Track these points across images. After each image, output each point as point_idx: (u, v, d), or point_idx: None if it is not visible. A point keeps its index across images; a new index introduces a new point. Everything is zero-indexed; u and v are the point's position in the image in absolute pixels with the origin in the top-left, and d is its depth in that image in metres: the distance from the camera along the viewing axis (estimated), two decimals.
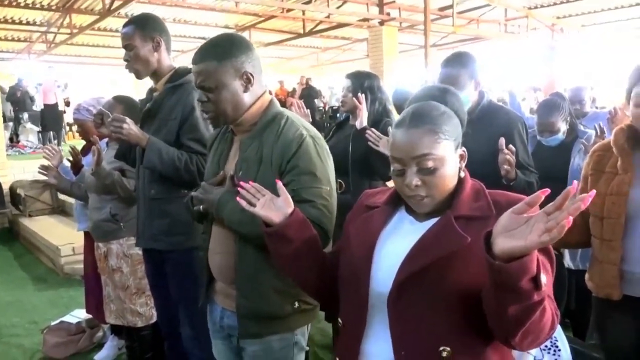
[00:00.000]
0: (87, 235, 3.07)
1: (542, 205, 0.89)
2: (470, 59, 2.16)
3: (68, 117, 10.86)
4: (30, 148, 10.21)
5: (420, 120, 1.10)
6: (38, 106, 10.72)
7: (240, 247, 1.53)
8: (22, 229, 6.22)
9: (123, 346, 3.10)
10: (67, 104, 11.49)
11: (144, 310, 2.61)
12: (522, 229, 0.88)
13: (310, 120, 2.73)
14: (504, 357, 1.10)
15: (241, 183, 1.30)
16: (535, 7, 10.37)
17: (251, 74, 1.53)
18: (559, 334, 1.63)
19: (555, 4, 10.03)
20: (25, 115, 10.82)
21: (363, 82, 2.54)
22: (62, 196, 6.18)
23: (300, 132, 1.51)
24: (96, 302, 3.02)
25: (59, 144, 10.15)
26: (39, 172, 2.82)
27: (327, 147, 1.59)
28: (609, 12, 10.09)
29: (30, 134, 10.87)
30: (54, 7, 9.50)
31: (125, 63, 2.11)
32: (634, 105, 1.60)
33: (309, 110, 2.80)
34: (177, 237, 2.01)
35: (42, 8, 9.45)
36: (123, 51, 2.10)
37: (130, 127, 1.93)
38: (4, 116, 10.53)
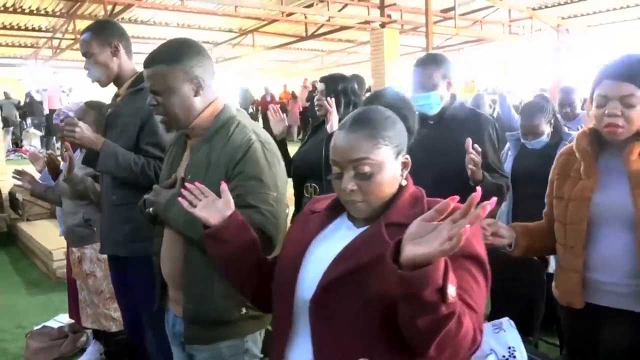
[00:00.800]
0: None
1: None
2: (444, 60, 2.14)
3: None
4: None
5: (361, 124, 1.08)
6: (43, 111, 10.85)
7: (187, 251, 1.51)
8: (19, 233, 6.26)
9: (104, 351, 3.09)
10: None
11: (118, 315, 2.59)
12: (430, 237, 0.85)
13: (286, 124, 2.71)
14: None
15: (186, 184, 1.29)
16: (540, 8, 10.27)
17: (202, 79, 1.52)
18: (517, 343, 1.57)
19: (559, 4, 9.93)
20: (29, 120, 10.95)
21: (337, 85, 2.52)
22: None
23: (249, 137, 1.49)
24: (77, 307, 3.02)
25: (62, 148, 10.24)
26: (13, 177, 2.82)
27: (279, 153, 1.57)
28: (614, 12, 9.97)
29: (33, 138, 10.99)
30: (58, 13, 9.63)
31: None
32: (596, 107, 1.53)
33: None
34: (140, 243, 1.99)
35: (47, 14, 9.58)
36: None
37: (83, 131, 1.92)
38: (6, 120, 10.70)
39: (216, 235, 1.20)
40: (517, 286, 2.44)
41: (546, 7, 10.15)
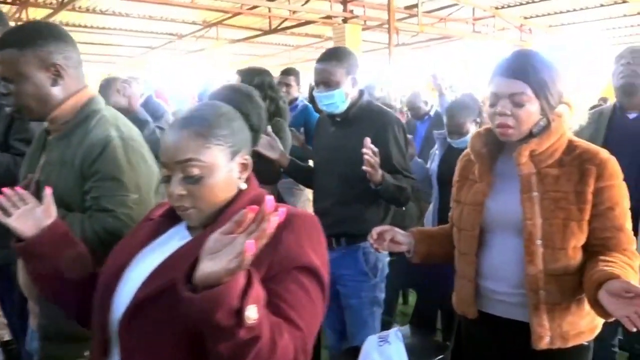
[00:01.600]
0: None
1: None
2: (348, 55, 2.03)
3: None
4: None
5: (190, 122, 0.96)
6: None
7: None
8: None
9: None
10: None
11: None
12: (224, 252, 0.73)
13: None
14: None
15: (3, 190, 1.14)
16: (503, 7, 10.30)
17: (62, 67, 1.37)
18: (401, 356, 1.49)
19: (521, 4, 9.96)
20: None
21: (252, 79, 2.40)
22: None
23: (108, 134, 1.36)
24: None
25: None
26: None
27: (145, 151, 1.43)
28: (574, 12, 10.05)
29: None
30: (9, 1, 9.24)
31: None
32: (489, 105, 1.43)
33: None
34: (5, 250, 1.83)
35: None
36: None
37: None
38: None
39: (30, 250, 1.06)
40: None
41: (509, 6, 10.18)
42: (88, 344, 1.37)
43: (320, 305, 0.93)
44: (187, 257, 0.92)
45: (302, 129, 3.20)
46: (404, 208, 3.46)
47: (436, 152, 2.86)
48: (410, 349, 1.58)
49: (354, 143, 1.85)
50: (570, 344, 1.38)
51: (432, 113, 4.19)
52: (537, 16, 10.72)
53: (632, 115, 2.02)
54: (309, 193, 2.65)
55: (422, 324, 2.37)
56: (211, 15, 11.09)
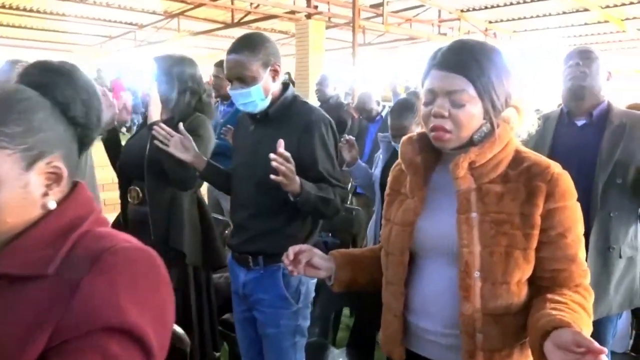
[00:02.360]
0: None
1: None
2: (263, 42, 1.67)
3: None
4: None
5: None
6: None
7: None
8: None
9: None
10: None
11: None
12: None
13: (116, 111, 2.29)
14: None
15: None
16: (468, 10, 10.29)
17: None
18: None
19: (486, 7, 9.95)
20: None
21: (171, 68, 2.11)
22: None
23: None
24: None
25: None
26: None
27: None
28: (537, 19, 10.10)
29: None
30: None
31: None
32: (423, 104, 1.16)
33: None
34: None
35: None
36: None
37: None
38: None
39: None
40: None
41: (474, 9, 10.16)
42: None
43: None
44: None
45: None
46: (353, 213, 3.26)
47: (380, 156, 2.66)
48: None
49: (274, 145, 1.58)
50: None
51: (384, 114, 3.99)
52: (502, 21, 10.76)
53: (580, 122, 1.83)
54: None
55: (361, 345, 2.15)
56: (173, 5, 10.70)
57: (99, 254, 0.69)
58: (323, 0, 9.29)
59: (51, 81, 0.77)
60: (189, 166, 1.84)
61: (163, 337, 0.74)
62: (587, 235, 1.71)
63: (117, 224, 2.20)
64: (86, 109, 0.80)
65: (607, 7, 9.02)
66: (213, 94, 2.78)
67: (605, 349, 0.87)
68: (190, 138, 1.83)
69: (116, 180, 2.24)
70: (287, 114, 1.72)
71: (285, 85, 1.77)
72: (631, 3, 8.70)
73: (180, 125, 1.84)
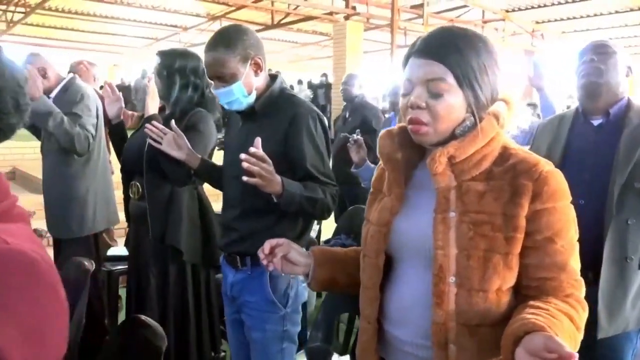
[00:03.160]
0: None
1: None
2: (239, 36, 1.56)
3: None
4: None
5: None
6: None
7: None
8: None
9: None
10: None
11: None
12: None
13: (122, 105, 2.30)
14: None
15: None
16: (513, 10, 9.94)
17: None
18: None
19: (533, 7, 9.59)
20: None
21: (173, 62, 2.08)
22: None
23: None
24: None
25: None
26: None
27: None
28: (588, 19, 9.64)
29: None
30: None
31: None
32: (402, 95, 1.06)
33: None
34: None
35: None
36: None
37: None
38: None
39: None
40: None
41: (519, 9, 9.81)
42: None
43: None
44: None
45: None
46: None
47: None
48: None
49: (264, 141, 1.50)
50: None
51: None
52: (550, 21, 10.34)
53: (596, 121, 1.67)
54: None
55: None
56: (216, 8, 10.91)
57: None
58: (362, 2, 9.21)
59: None
60: (183, 164, 1.80)
61: (38, 357, 0.65)
62: (601, 243, 1.57)
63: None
64: None
65: None
66: None
67: (576, 354, 0.76)
68: (183, 135, 1.79)
69: None
70: (273, 109, 1.63)
71: (273, 78, 1.70)
72: None
73: (173, 122, 1.80)
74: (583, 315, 1.01)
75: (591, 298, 1.56)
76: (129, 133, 2.30)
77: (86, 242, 2.62)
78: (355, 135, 2.46)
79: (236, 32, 1.58)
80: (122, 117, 2.28)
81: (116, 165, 2.51)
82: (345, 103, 4.35)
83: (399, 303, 1.11)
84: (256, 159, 1.41)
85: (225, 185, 1.75)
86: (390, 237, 1.11)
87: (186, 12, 11.34)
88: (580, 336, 0.97)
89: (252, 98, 1.62)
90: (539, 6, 9.45)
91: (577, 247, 1.03)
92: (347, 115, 4.22)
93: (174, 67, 2.08)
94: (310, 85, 13.34)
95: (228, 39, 1.56)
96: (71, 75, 2.72)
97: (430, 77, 1.01)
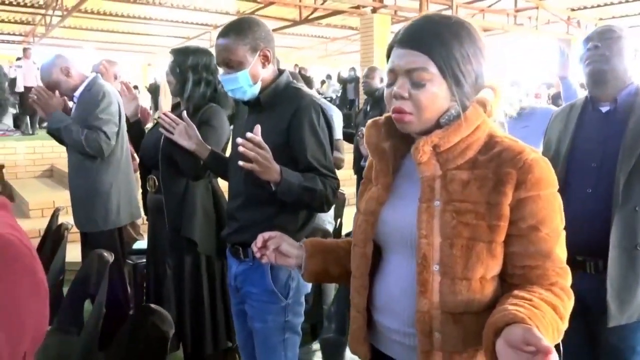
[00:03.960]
0: None
1: None
2: (251, 26, 1.60)
3: None
4: (1, 130, 10.04)
5: None
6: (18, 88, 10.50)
7: None
8: None
9: None
10: None
11: None
12: None
13: (139, 104, 2.38)
14: None
15: None
16: None
17: None
18: None
19: None
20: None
21: (186, 59, 2.14)
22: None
23: None
24: None
25: (32, 128, 10.04)
26: None
27: None
28: (627, 4, 9.26)
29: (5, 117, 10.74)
30: None
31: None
32: (386, 85, 1.07)
33: None
34: None
35: None
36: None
37: None
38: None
39: None
40: None
41: None
42: None
43: None
44: None
45: None
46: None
47: None
48: None
49: (270, 133, 1.54)
50: None
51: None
52: (586, 8, 9.98)
53: (604, 108, 1.62)
54: None
55: None
56: (245, 5, 11.02)
57: None
58: None
59: None
60: (194, 155, 1.86)
61: (11, 336, 0.65)
62: (607, 233, 1.53)
63: None
64: None
65: None
66: None
67: (552, 349, 0.76)
68: (194, 126, 1.85)
69: None
70: (278, 101, 1.66)
71: (281, 72, 1.73)
72: None
73: (184, 113, 1.86)
74: (568, 303, 0.99)
75: (601, 286, 1.54)
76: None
77: (111, 235, 2.71)
78: (364, 128, 2.47)
79: (249, 22, 1.63)
80: (139, 116, 2.36)
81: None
82: (366, 97, 4.34)
83: (386, 292, 1.13)
84: (253, 145, 1.44)
85: (231, 176, 1.80)
86: (378, 227, 1.12)
87: (216, 11, 11.51)
88: (564, 325, 0.96)
89: (256, 88, 1.64)
90: None
91: (563, 235, 1.02)
92: (367, 109, 4.21)
93: (187, 64, 2.14)
94: (340, 79, 13.29)
95: (240, 28, 1.60)
96: (94, 74, 2.82)
97: (412, 67, 1.01)
